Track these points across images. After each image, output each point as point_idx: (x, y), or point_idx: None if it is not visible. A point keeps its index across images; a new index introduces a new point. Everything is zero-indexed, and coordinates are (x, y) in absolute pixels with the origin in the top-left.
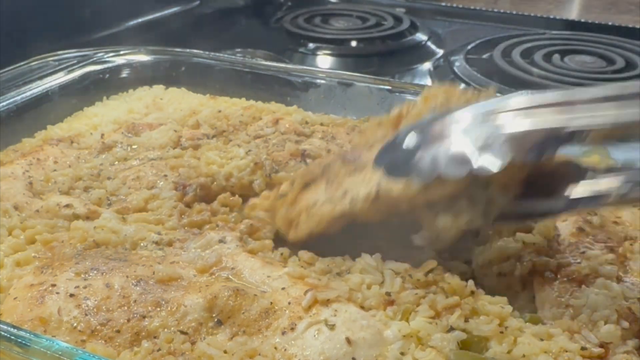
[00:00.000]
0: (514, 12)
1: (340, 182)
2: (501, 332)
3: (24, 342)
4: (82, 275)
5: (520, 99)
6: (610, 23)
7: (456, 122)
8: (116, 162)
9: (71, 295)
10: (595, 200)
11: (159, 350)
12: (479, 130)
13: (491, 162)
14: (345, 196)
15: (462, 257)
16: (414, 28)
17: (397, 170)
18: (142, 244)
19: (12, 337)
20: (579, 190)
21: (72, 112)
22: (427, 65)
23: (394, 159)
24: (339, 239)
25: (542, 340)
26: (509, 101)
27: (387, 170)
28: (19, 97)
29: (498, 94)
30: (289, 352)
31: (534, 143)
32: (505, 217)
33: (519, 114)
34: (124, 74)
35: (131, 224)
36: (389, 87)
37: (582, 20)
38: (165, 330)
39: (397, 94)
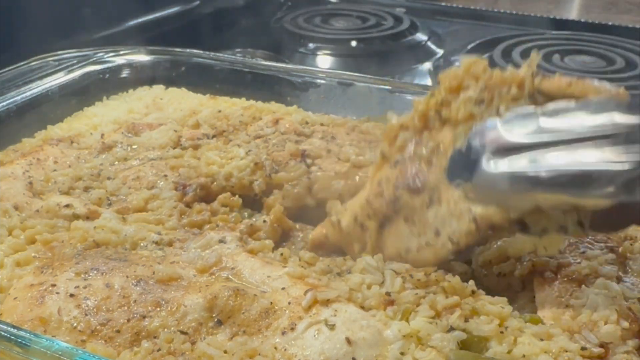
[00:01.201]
0: (514, 12)
1: (421, 218)
2: (501, 332)
3: (24, 342)
4: (82, 275)
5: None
6: (610, 23)
7: (544, 130)
8: (116, 162)
9: (71, 295)
10: None
11: (159, 350)
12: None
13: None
14: (439, 235)
15: (462, 257)
16: (414, 28)
17: (485, 195)
18: (142, 244)
19: (12, 337)
20: None
21: (72, 112)
22: (427, 65)
23: (476, 178)
24: None
25: (542, 340)
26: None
27: (474, 196)
28: (19, 97)
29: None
30: (289, 352)
31: None
32: (600, 222)
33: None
34: (124, 74)
35: (131, 224)
36: (389, 87)
37: (582, 20)
38: (165, 330)
39: (397, 94)
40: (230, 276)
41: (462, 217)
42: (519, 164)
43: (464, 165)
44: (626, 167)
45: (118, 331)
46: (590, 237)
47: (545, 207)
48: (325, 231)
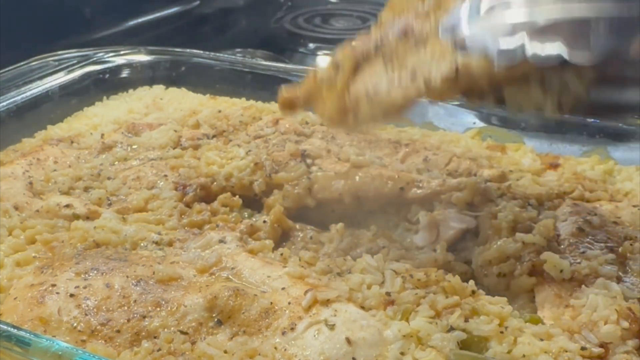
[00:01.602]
0: None
1: (402, 60)
2: (501, 332)
3: (24, 342)
4: (82, 275)
5: None
6: None
7: None
8: (116, 162)
9: (71, 295)
10: None
11: (159, 350)
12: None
13: (584, 56)
14: (415, 77)
15: (462, 257)
16: None
17: (474, 43)
18: (142, 244)
19: (12, 337)
20: None
21: (72, 112)
22: None
23: (469, 29)
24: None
25: (542, 340)
26: None
27: (463, 43)
28: (19, 97)
29: None
30: (289, 352)
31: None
32: (580, 106)
33: None
34: (124, 74)
35: (131, 224)
36: None
37: None
38: (165, 330)
39: None
40: (230, 276)
41: (444, 62)
42: (518, 13)
43: (463, 19)
44: (621, 13)
45: (118, 331)
46: (590, 237)
47: (533, 63)
48: (296, 90)
